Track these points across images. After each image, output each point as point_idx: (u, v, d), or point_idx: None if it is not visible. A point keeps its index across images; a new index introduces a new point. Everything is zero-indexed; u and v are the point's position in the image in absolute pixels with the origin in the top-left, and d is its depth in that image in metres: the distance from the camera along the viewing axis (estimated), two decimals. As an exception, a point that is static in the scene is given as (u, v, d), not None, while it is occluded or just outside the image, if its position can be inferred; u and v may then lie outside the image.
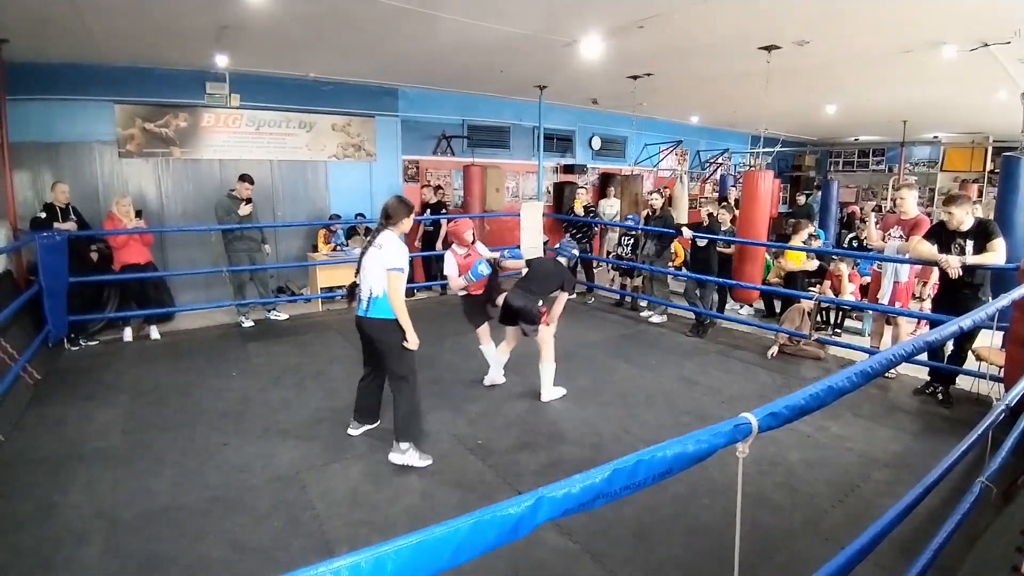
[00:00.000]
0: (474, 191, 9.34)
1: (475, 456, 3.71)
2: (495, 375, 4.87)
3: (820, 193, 11.72)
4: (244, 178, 6.66)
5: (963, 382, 4.77)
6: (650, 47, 6.18)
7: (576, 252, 5.12)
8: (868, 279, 6.12)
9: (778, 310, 7.05)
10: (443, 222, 8.42)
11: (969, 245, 4.40)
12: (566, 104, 10.73)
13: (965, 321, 2.42)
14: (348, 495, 3.25)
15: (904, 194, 5.15)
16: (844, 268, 6.47)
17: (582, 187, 9.75)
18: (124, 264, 6.10)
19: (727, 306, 7.54)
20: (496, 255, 4.81)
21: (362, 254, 3.57)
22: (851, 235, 9.02)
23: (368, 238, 3.60)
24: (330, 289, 7.75)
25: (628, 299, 7.96)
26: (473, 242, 4.76)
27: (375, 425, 4.00)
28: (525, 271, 4.68)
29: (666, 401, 4.65)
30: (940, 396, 4.68)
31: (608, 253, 8.96)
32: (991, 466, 2.58)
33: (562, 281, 4.65)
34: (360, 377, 3.91)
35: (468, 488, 3.35)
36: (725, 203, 8.34)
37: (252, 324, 6.84)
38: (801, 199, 12.31)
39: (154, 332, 6.35)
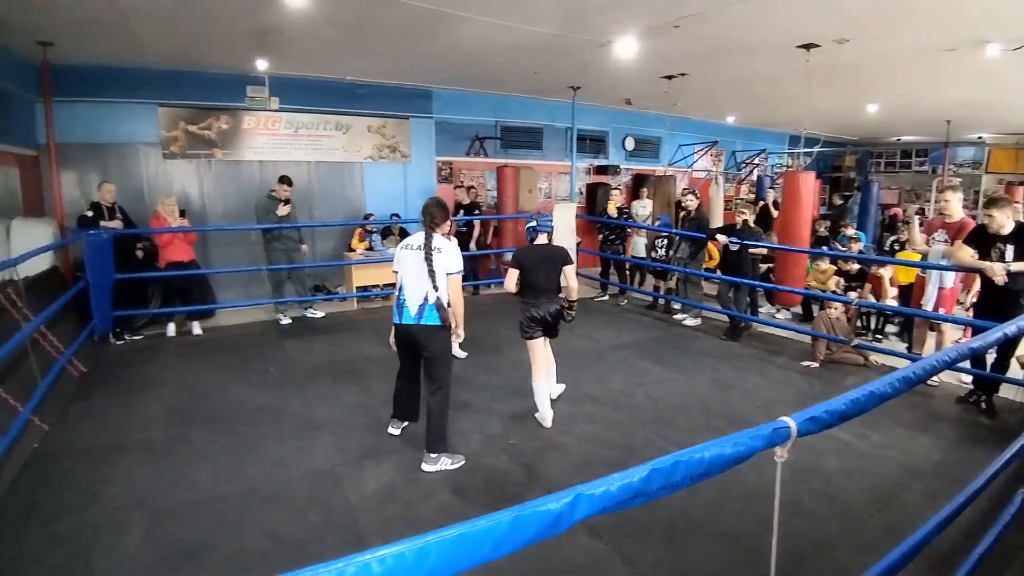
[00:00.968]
0: (507, 192, 9.41)
1: (507, 456, 3.73)
2: (547, 412, 4.21)
3: (860, 194, 11.41)
4: (283, 180, 6.83)
5: (1006, 391, 4.61)
6: (686, 47, 6.13)
7: (552, 224, 4.47)
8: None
9: (814, 314, 6.88)
10: (475, 223, 8.54)
11: (1009, 249, 4.25)
12: (599, 105, 10.69)
13: (1010, 327, 2.35)
14: (382, 491, 3.31)
15: (949, 196, 5.00)
16: (886, 272, 6.29)
17: (615, 188, 9.70)
18: (169, 262, 6.30)
19: (763, 309, 7.41)
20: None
21: (410, 258, 3.47)
22: (892, 238, 8.77)
23: (408, 241, 3.56)
24: (365, 288, 7.89)
25: (661, 301, 7.88)
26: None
27: (416, 423, 3.93)
28: (518, 272, 4.16)
29: (700, 405, 4.60)
30: (983, 405, 4.55)
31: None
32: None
33: (562, 259, 4.21)
34: (397, 385, 3.87)
35: (499, 487, 3.37)
36: (750, 205, 8.07)
37: (289, 321, 7.00)
38: (838, 200, 12.01)
39: (196, 328, 6.55)
